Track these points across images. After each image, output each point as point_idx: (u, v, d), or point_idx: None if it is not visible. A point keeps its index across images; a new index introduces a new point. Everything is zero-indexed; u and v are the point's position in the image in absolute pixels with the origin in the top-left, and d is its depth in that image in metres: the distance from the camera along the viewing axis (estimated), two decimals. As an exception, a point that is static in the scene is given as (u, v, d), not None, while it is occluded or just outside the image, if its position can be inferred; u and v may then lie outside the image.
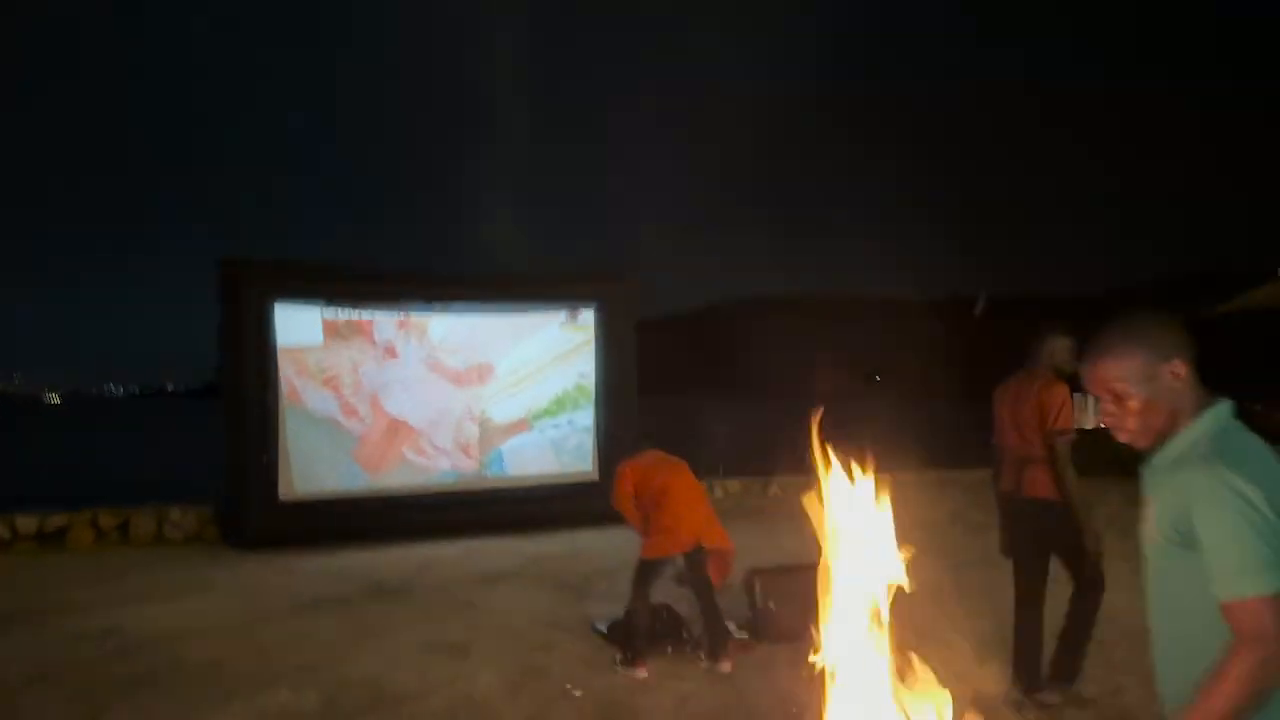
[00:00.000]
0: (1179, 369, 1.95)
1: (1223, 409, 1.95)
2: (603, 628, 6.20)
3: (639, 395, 11.60)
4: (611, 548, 8.82)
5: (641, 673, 5.39)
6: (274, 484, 9.72)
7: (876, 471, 2.01)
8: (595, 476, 11.14)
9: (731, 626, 5.91)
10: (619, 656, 5.57)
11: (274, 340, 9.85)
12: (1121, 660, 5.41)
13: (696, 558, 5.56)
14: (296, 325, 10.07)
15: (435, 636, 6.29)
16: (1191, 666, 1.85)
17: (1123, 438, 2.02)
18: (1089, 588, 4.72)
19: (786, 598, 6.00)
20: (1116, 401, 1.99)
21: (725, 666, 5.42)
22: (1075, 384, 4.84)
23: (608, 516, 10.69)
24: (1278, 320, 15.12)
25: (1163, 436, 1.98)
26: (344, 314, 10.33)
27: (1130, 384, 1.96)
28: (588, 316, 11.47)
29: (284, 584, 8.01)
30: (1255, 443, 1.89)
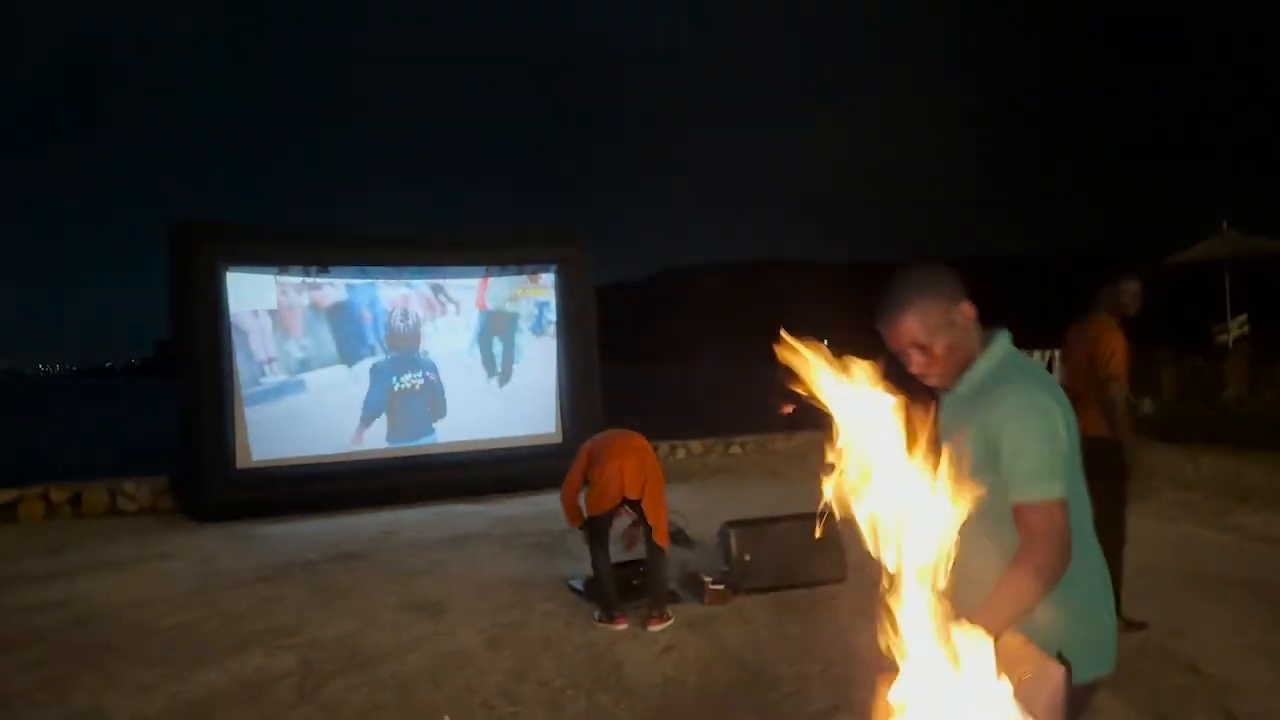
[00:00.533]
0: (967, 310, 2.06)
1: (1005, 338, 2.12)
2: (578, 585, 6.17)
3: (601, 360, 11.55)
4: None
5: (621, 625, 5.38)
6: (231, 453, 9.52)
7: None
8: (559, 439, 11.10)
9: (708, 579, 5.92)
10: (598, 613, 5.55)
11: (226, 306, 9.61)
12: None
13: (638, 510, 5.55)
14: (249, 291, 9.83)
15: (408, 597, 6.21)
16: (976, 582, 1.93)
17: (932, 382, 2.12)
18: (1115, 525, 4.83)
19: (760, 549, 6.04)
20: (923, 351, 2.07)
21: (654, 626, 5.37)
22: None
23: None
24: (1218, 270, 15.48)
25: (962, 371, 2.11)
26: (298, 279, 10.11)
27: (933, 334, 2.05)
28: (548, 279, 11.36)
29: (246, 551, 7.86)
30: (1039, 366, 2.08)
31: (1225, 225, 15.27)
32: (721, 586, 5.93)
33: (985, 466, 1.98)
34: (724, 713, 4.19)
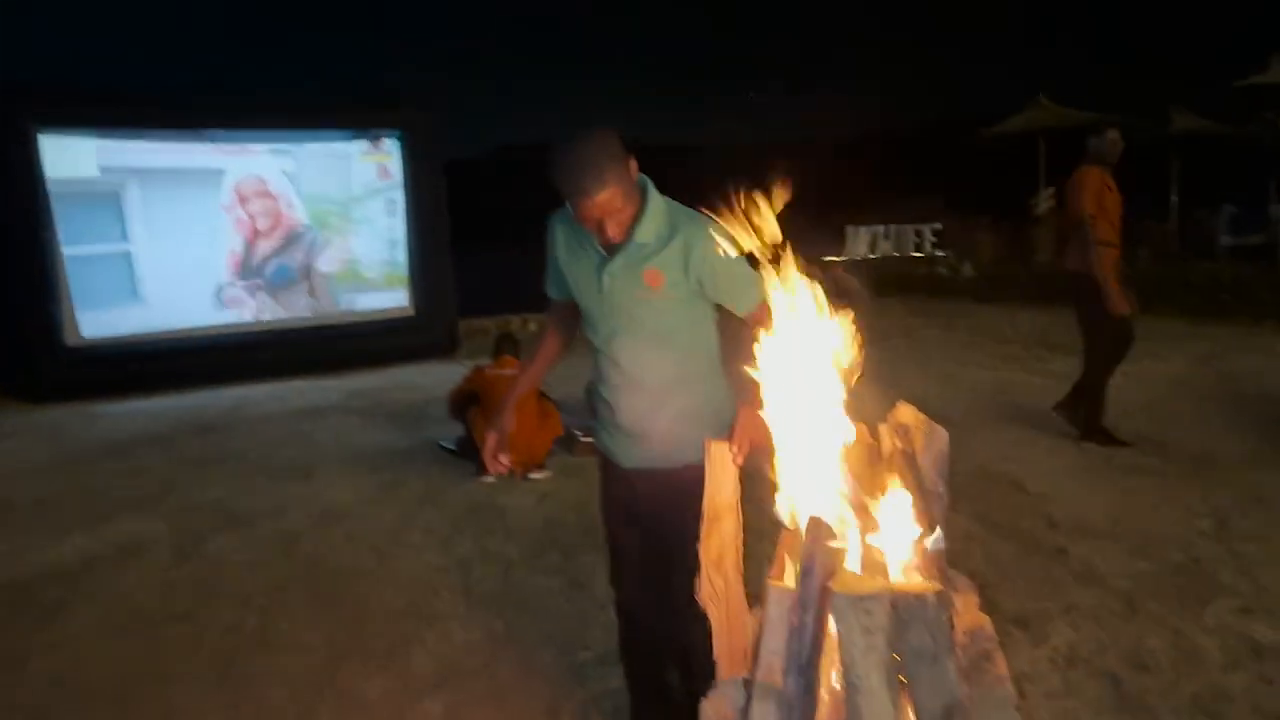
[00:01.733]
0: (633, 166, 2.19)
1: (650, 183, 2.28)
2: (450, 445, 6.26)
3: (453, 234, 11.36)
4: (436, 382, 8.78)
5: (501, 471, 5.53)
6: (58, 330, 8.95)
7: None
8: (410, 312, 10.95)
9: (578, 433, 6.12)
10: (476, 468, 5.67)
11: (42, 173, 8.86)
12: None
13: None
14: (66, 156, 9.09)
15: (275, 463, 6.16)
16: (694, 396, 2.38)
17: (613, 238, 2.23)
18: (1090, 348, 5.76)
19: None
20: (612, 216, 2.18)
21: (533, 474, 5.58)
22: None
23: (426, 352, 10.70)
24: (1034, 140, 16.38)
25: (631, 224, 2.26)
26: (120, 143, 9.40)
27: (626, 199, 2.18)
28: (392, 145, 10.97)
29: (92, 428, 7.54)
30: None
31: (1042, 98, 16.19)
32: (591, 439, 6.14)
33: (687, 292, 2.28)
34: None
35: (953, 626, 1.68)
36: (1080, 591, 3.59)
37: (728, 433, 2.27)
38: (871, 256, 21.72)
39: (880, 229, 23.53)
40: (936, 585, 1.66)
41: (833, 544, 1.69)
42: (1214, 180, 20.03)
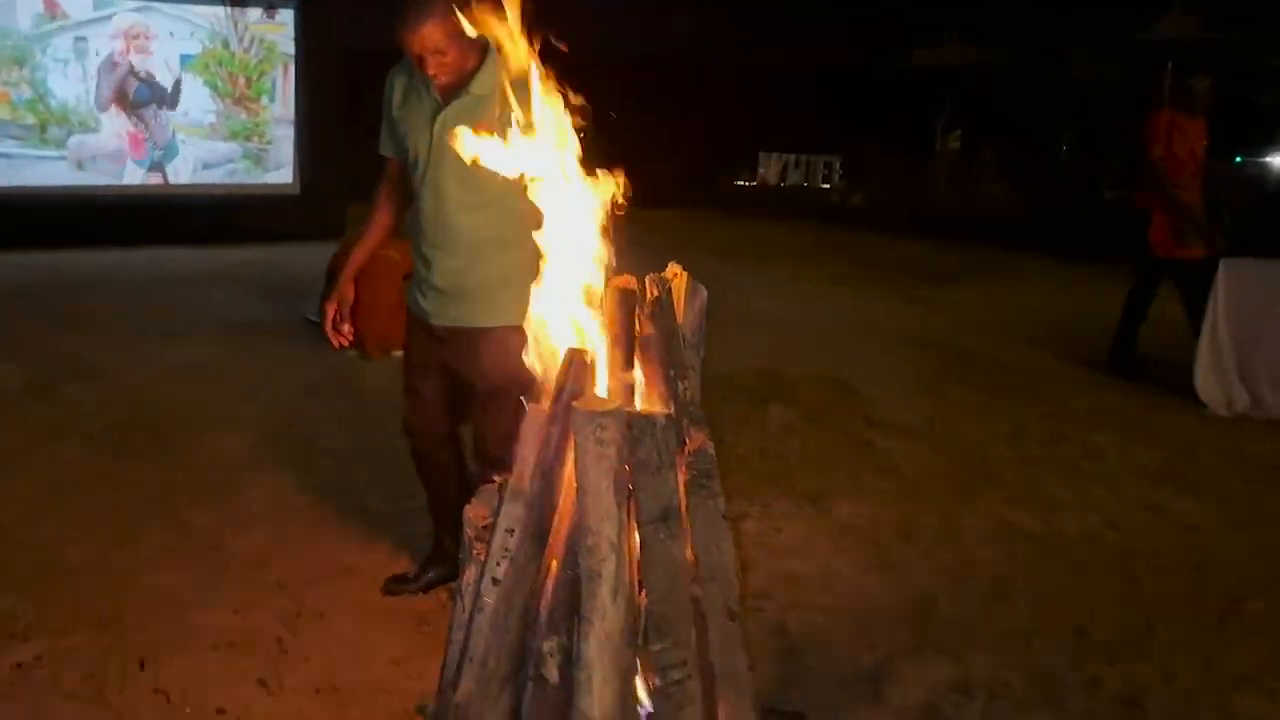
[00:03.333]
0: (480, 20, 2.21)
1: (493, 46, 2.37)
2: (315, 317, 6.33)
3: (349, 119, 11.14)
4: (320, 260, 8.72)
5: (343, 341, 5.65)
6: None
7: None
8: (296, 190, 10.77)
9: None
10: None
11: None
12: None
13: None
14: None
15: (141, 325, 6.15)
16: (513, 258, 2.45)
17: (440, 82, 2.39)
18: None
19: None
20: (439, 56, 2.33)
21: (396, 352, 5.70)
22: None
23: (311, 233, 10.58)
24: (961, 72, 16.60)
25: (466, 76, 2.41)
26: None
27: (450, 41, 2.31)
28: (286, 15, 10.63)
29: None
30: None
31: (948, 35, 16.50)
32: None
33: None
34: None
35: (681, 447, 1.94)
36: (874, 478, 3.95)
37: None
38: (782, 184, 22.03)
39: (791, 157, 23.86)
40: (668, 411, 1.91)
41: (586, 371, 1.92)
42: (1108, 129, 20.78)
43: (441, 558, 2.86)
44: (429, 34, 2.28)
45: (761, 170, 23.06)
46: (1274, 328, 5.01)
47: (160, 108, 10.04)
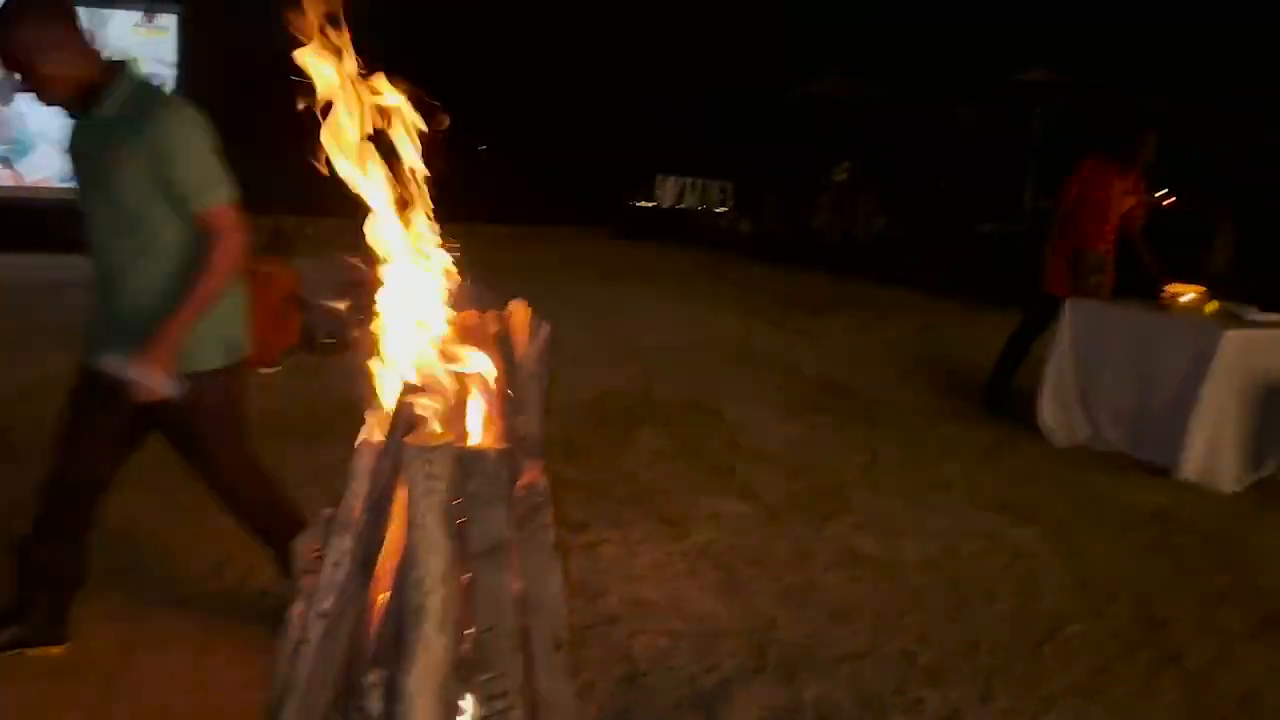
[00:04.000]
0: (79, 35, 2.17)
1: (133, 64, 2.30)
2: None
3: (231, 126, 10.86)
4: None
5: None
6: None
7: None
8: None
9: (322, 333, 6.18)
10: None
11: None
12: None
13: None
14: None
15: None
16: (150, 289, 2.30)
17: (45, 102, 2.22)
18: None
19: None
20: (23, 64, 2.12)
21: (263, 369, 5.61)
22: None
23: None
24: (836, 106, 17.07)
25: (84, 98, 2.22)
26: None
27: (34, 49, 2.10)
28: (169, 20, 10.35)
29: None
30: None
31: (836, 69, 17.07)
32: (332, 340, 6.22)
33: (148, 180, 2.21)
34: (325, 430, 4.57)
35: (514, 481, 1.99)
36: (733, 503, 4.07)
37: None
38: (680, 206, 22.35)
39: (688, 180, 24.25)
40: (501, 445, 1.96)
41: (420, 405, 1.94)
42: (982, 168, 21.77)
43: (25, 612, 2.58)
44: (14, 43, 2.09)
45: (658, 192, 23.41)
46: (1112, 365, 5.34)
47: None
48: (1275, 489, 4.83)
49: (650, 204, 22.00)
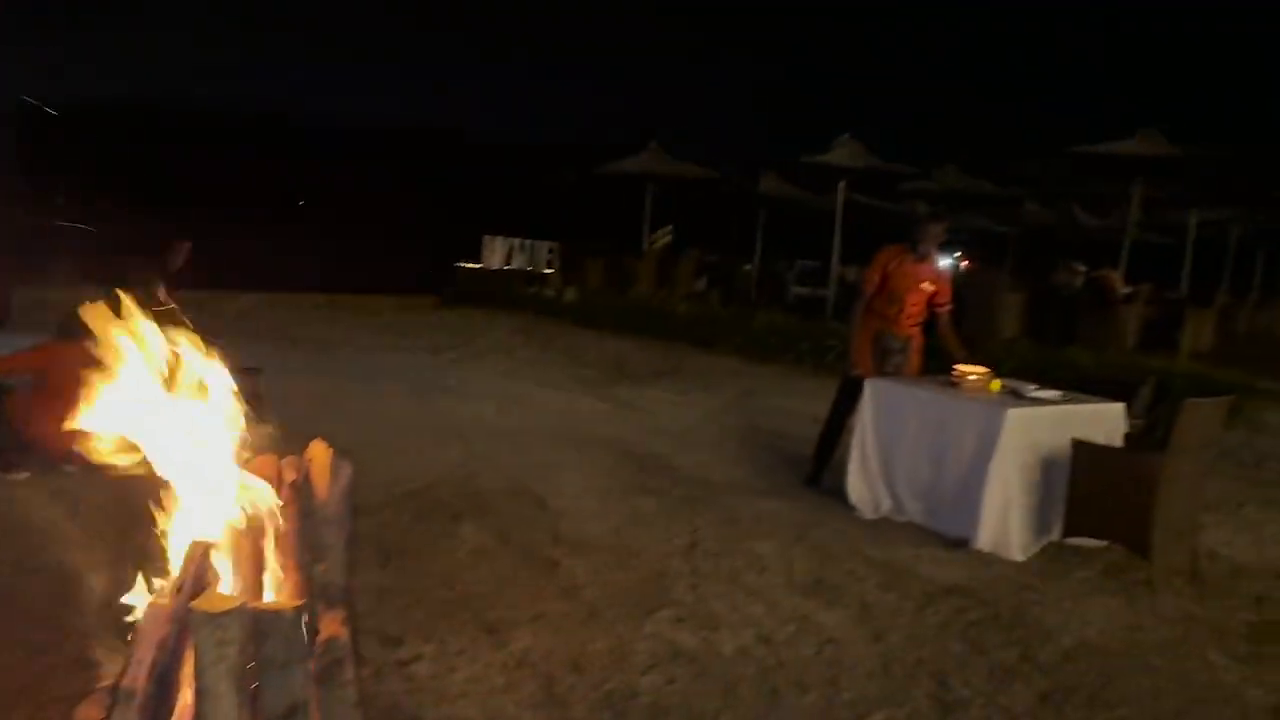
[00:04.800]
0: None
1: None
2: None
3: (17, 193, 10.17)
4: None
5: (23, 474, 5.12)
6: None
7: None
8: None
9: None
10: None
11: None
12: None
13: None
14: None
15: None
16: None
17: None
18: None
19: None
20: None
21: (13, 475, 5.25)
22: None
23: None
24: (641, 182, 17.67)
25: None
26: None
27: None
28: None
29: None
30: None
31: (654, 144, 17.65)
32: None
33: None
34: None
35: (313, 637, 1.94)
36: (555, 601, 4.07)
37: None
38: (507, 268, 22.36)
39: (516, 241, 24.33)
40: (297, 602, 1.90)
41: (211, 566, 1.87)
42: (793, 238, 22.91)
43: None
44: None
45: (486, 253, 23.37)
46: (910, 442, 5.68)
47: None
48: (1058, 554, 5.24)
49: (478, 265, 21.96)
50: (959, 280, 14.63)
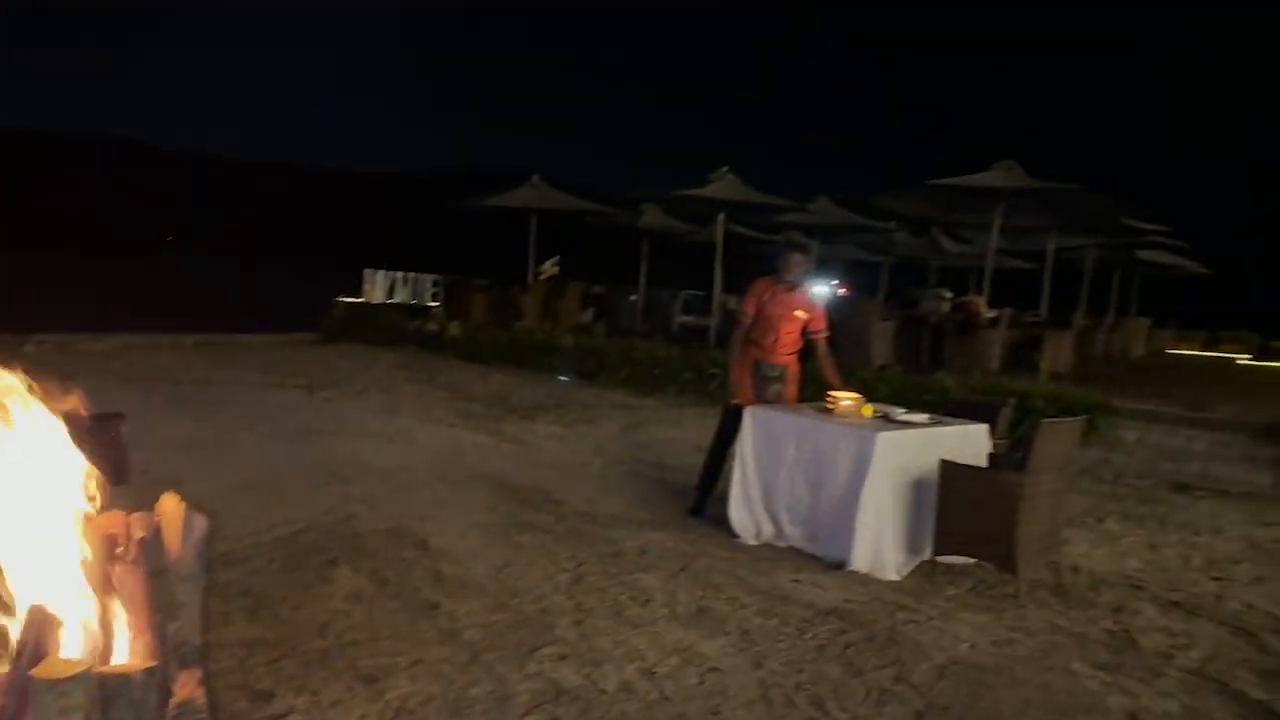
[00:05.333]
0: None
1: None
2: None
3: None
4: None
5: None
6: None
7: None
8: None
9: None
10: None
11: None
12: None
13: None
14: None
15: None
16: None
17: None
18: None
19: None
20: None
21: None
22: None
23: None
24: (526, 215, 17.70)
25: None
26: None
27: None
28: None
29: None
30: None
31: (536, 177, 17.69)
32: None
33: None
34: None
35: (166, 699, 1.85)
36: (435, 646, 3.98)
37: None
38: (390, 302, 21.97)
39: (399, 275, 23.95)
40: (148, 664, 1.82)
41: (52, 630, 1.77)
42: (678, 268, 23.25)
43: None
44: None
45: (367, 287, 22.94)
46: (789, 468, 5.81)
47: None
48: (931, 572, 5.42)
49: (360, 299, 21.54)
50: (835, 308, 15.13)
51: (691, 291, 22.32)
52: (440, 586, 4.70)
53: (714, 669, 3.94)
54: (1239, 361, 22.52)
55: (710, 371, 11.65)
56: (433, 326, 15.31)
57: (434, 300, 21.07)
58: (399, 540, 5.41)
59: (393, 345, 15.36)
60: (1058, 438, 5.24)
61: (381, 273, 23.30)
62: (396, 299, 22.50)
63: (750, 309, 6.30)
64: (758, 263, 6.69)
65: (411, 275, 23.75)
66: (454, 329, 14.82)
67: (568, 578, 4.96)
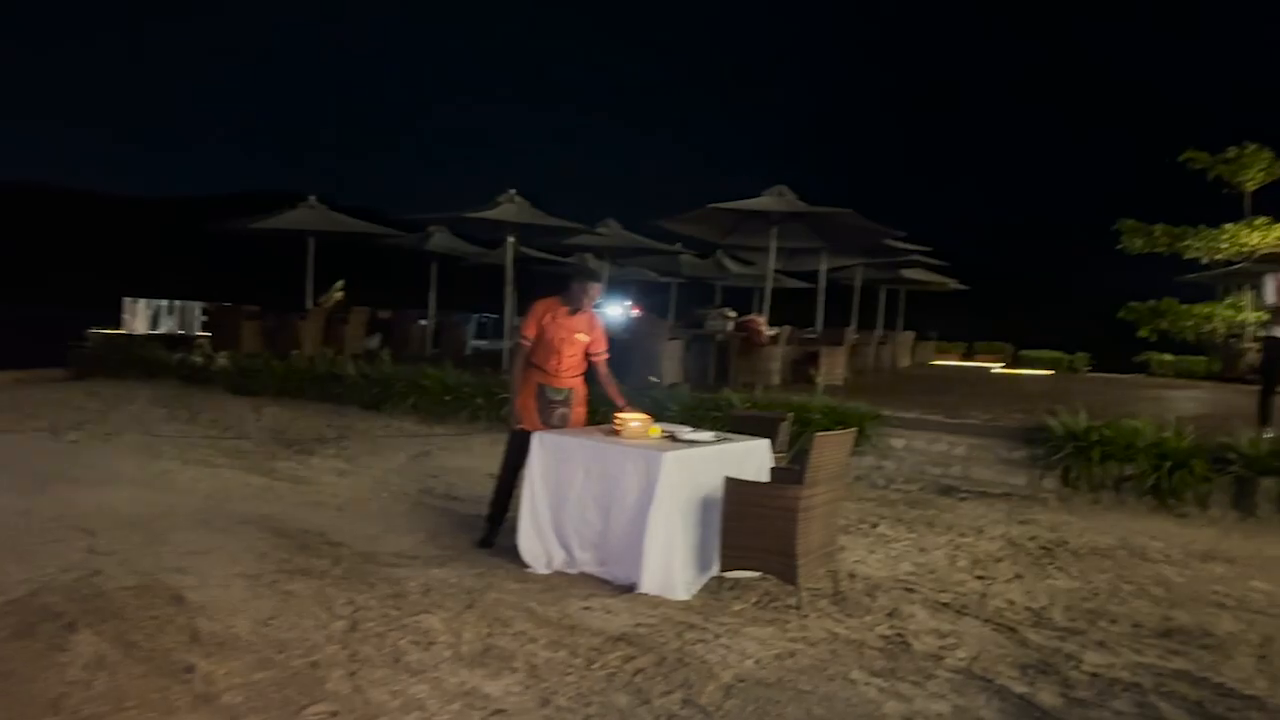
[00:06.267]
0: None
1: None
2: None
3: None
4: None
5: None
6: None
7: None
8: None
9: None
10: None
11: None
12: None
13: None
14: None
15: None
16: None
17: None
18: None
19: None
20: None
21: None
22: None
23: None
24: (301, 238, 16.81)
25: None
26: None
27: None
28: None
29: None
30: None
31: (312, 198, 16.89)
32: None
33: None
34: None
35: None
36: (186, 714, 3.60)
37: None
38: (154, 332, 20.36)
39: (163, 303, 22.22)
40: None
41: None
42: (470, 291, 22.84)
43: None
44: None
45: (127, 317, 21.14)
46: (578, 492, 5.71)
47: None
48: (718, 589, 5.46)
49: (119, 331, 19.89)
50: (630, 328, 15.26)
51: (485, 315, 22.01)
52: (196, 646, 4.27)
53: (498, 711, 3.76)
54: (994, 370, 24.47)
55: (503, 396, 11.41)
56: (197, 358, 14.25)
57: (205, 330, 19.75)
58: (150, 597, 4.89)
59: (153, 379, 14.20)
60: (831, 449, 5.41)
61: (144, 301, 21.63)
62: (161, 330, 20.94)
63: (531, 332, 6.19)
64: (550, 283, 6.61)
65: (178, 304, 22.18)
66: (222, 359, 13.85)
67: (343, 625, 4.63)
